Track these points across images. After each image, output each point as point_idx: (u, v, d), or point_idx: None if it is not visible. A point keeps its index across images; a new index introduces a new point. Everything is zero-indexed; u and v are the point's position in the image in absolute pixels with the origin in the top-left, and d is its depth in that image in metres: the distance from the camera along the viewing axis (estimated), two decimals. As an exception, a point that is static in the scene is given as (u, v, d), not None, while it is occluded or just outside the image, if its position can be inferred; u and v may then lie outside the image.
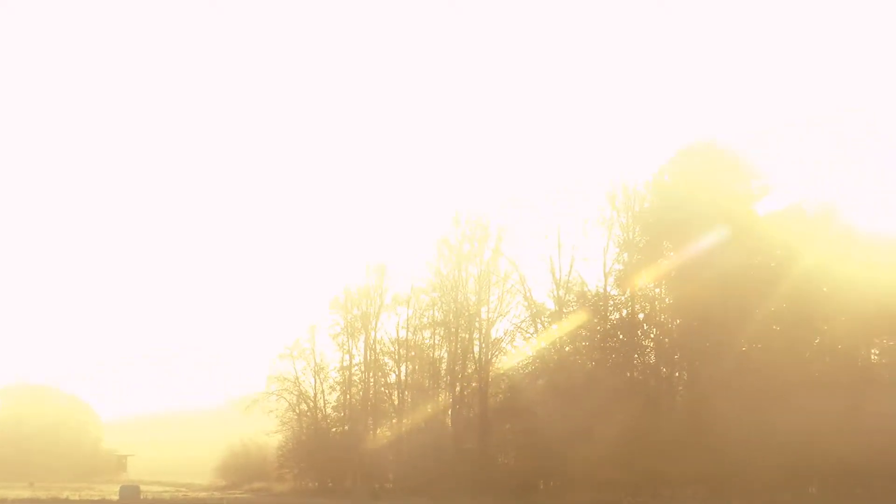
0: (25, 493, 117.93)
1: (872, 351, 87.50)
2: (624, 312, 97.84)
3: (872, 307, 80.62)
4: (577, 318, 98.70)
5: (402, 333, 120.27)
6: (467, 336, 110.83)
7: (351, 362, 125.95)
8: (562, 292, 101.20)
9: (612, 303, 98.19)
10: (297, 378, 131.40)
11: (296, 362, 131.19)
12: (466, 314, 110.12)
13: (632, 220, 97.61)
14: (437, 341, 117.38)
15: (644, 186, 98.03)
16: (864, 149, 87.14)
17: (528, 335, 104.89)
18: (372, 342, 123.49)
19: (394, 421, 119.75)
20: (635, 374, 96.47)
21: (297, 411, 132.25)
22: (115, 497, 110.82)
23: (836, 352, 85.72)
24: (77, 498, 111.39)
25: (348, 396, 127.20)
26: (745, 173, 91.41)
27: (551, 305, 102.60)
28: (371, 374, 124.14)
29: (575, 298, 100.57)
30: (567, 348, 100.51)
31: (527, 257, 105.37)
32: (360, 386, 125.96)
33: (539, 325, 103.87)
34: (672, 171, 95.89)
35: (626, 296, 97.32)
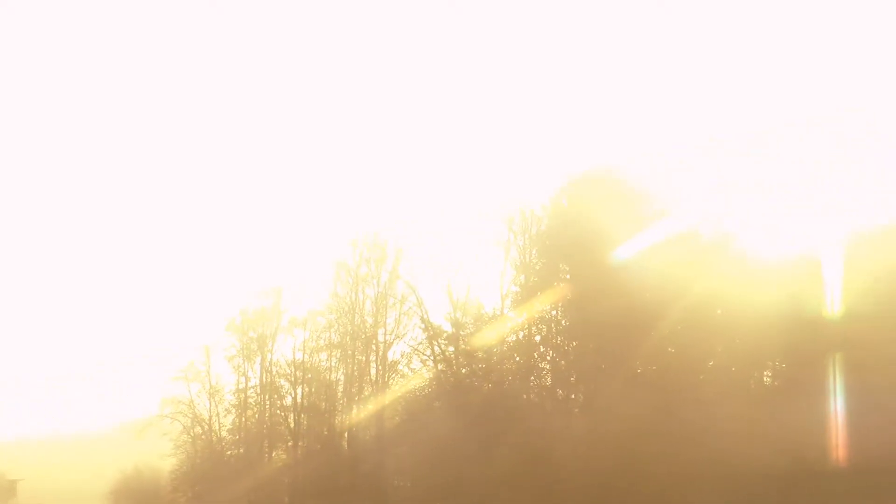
0: None
1: (765, 373, 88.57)
2: (520, 335, 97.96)
3: (765, 330, 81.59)
4: (473, 340, 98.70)
5: (299, 355, 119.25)
6: (364, 358, 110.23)
7: (247, 384, 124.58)
8: (459, 314, 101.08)
9: (508, 325, 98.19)
10: (192, 401, 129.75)
11: (190, 385, 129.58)
12: (363, 336, 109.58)
13: (529, 243, 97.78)
14: (333, 363, 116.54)
15: (541, 209, 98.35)
16: (762, 172, 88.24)
17: (426, 357, 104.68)
18: (268, 364, 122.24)
19: (290, 444, 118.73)
20: (532, 396, 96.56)
21: (192, 434, 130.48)
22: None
23: (730, 373, 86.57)
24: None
25: (244, 419, 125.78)
26: (642, 197, 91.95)
27: (448, 328, 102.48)
28: (267, 397, 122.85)
29: (472, 320, 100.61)
30: (464, 370, 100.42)
31: (424, 279, 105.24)
32: (255, 409, 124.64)
33: (436, 348, 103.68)
34: (569, 194, 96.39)
35: (522, 318, 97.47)
